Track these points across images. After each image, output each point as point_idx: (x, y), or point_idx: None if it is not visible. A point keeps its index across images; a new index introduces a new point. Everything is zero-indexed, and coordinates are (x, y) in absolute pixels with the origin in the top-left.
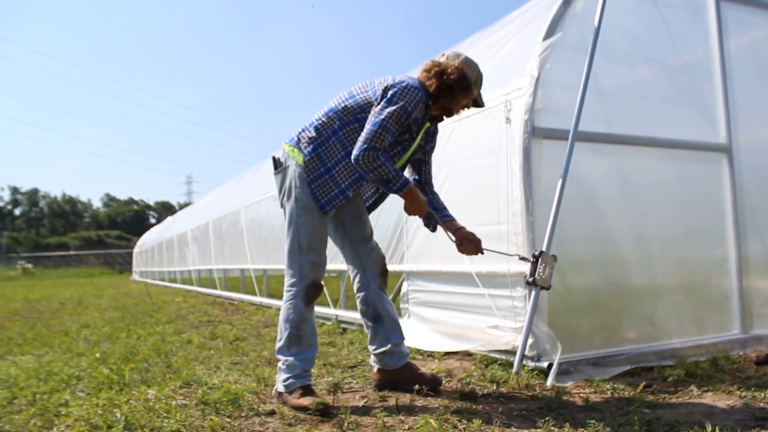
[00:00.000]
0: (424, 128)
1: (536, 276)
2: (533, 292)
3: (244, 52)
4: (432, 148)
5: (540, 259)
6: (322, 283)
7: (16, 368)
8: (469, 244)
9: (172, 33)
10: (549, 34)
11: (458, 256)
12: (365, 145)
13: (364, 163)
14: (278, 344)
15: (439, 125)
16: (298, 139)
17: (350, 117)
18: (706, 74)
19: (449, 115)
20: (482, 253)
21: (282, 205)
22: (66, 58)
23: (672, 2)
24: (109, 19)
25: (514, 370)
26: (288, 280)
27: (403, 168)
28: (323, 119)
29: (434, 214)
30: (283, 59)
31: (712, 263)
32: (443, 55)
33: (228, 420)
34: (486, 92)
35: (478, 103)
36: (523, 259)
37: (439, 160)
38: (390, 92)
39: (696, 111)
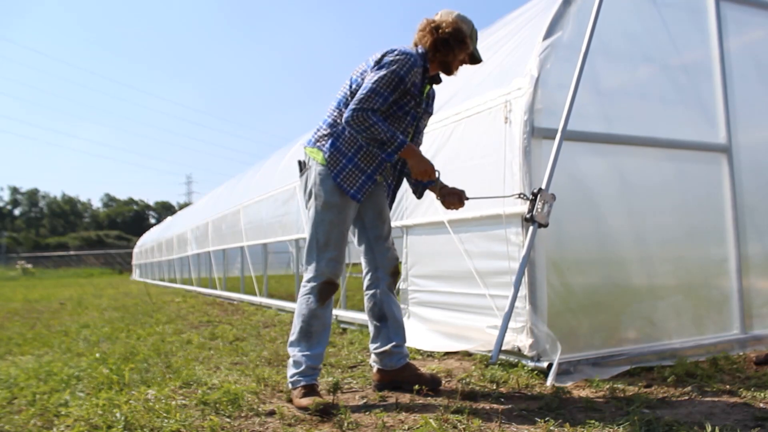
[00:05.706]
0: (425, 92)
1: (534, 213)
2: (530, 229)
3: (244, 52)
4: (431, 114)
5: (539, 197)
6: (338, 282)
7: (16, 368)
8: (452, 197)
9: (172, 33)
10: (549, 34)
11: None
12: (355, 106)
13: (355, 122)
14: (290, 338)
15: (439, 125)
16: (316, 139)
17: None
18: (706, 74)
19: (448, 72)
20: (467, 199)
21: (307, 207)
22: (66, 58)
23: (672, 2)
24: (109, 20)
25: (491, 359)
26: (305, 276)
27: (414, 135)
28: (335, 114)
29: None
30: (283, 59)
31: (712, 263)
32: (437, 14)
33: (228, 420)
34: (486, 92)
35: (476, 57)
36: (521, 196)
37: (439, 160)
38: (384, 59)
39: (696, 111)
